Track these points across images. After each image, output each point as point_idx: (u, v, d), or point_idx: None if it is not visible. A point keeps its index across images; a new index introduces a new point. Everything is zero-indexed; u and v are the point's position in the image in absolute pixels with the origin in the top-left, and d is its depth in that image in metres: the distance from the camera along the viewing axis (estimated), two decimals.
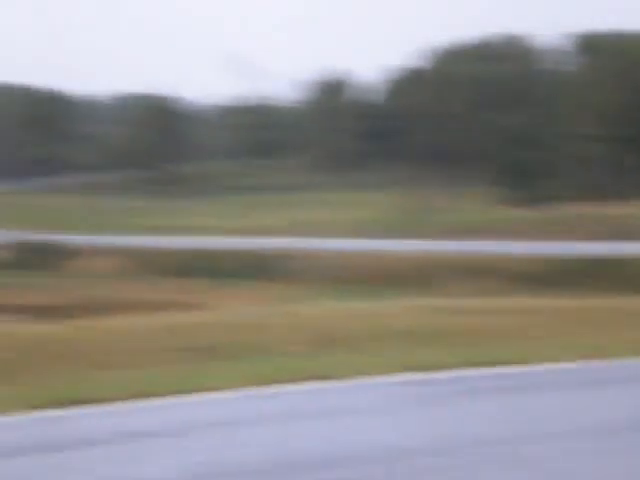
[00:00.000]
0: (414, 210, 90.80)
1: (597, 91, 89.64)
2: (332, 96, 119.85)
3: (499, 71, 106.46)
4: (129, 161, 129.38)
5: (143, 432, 11.84)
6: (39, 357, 19.61)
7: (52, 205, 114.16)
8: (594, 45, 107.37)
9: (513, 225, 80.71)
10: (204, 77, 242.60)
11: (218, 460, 10.17)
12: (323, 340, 21.69)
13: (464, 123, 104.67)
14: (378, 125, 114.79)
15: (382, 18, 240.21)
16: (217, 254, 77.60)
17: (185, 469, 9.87)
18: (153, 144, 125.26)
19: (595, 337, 21.89)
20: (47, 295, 62.25)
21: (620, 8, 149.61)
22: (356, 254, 73.50)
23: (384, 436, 11.23)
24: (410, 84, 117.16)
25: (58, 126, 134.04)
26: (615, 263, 66.02)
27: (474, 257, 70.64)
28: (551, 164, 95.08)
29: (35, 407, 13.67)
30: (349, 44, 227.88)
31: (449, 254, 72.47)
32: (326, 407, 13.61)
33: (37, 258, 79.59)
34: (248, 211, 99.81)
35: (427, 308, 28.45)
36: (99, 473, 9.98)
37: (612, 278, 64.11)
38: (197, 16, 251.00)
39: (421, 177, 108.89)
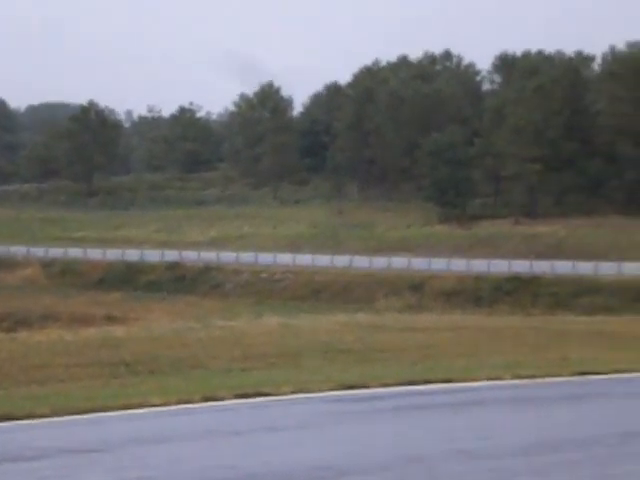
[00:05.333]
0: (340, 226, 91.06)
1: (526, 111, 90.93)
2: (260, 109, 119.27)
3: (423, 88, 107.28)
4: (53, 171, 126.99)
5: (74, 448, 11.60)
6: None
7: None
8: (512, 65, 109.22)
9: (443, 242, 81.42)
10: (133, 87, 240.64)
11: (150, 476, 10.01)
12: (256, 356, 21.58)
13: (388, 139, 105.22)
14: (308, 140, 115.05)
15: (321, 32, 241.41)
16: (140, 267, 76.92)
17: None
18: (78, 154, 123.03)
19: (520, 355, 22.17)
20: None
21: (535, 30, 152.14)
22: (286, 269, 73.43)
23: (310, 454, 11.16)
24: (332, 100, 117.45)
25: None
26: (540, 281, 66.96)
27: (402, 273, 71.04)
28: (480, 183, 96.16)
29: None
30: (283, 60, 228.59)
31: (377, 270, 72.81)
32: (259, 423, 13.49)
33: None
34: (176, 224, 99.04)
35: (359, 324, 28.52)
36: None
37: (536, 295, 65.09)
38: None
39: (348, 193, 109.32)
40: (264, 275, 72.76)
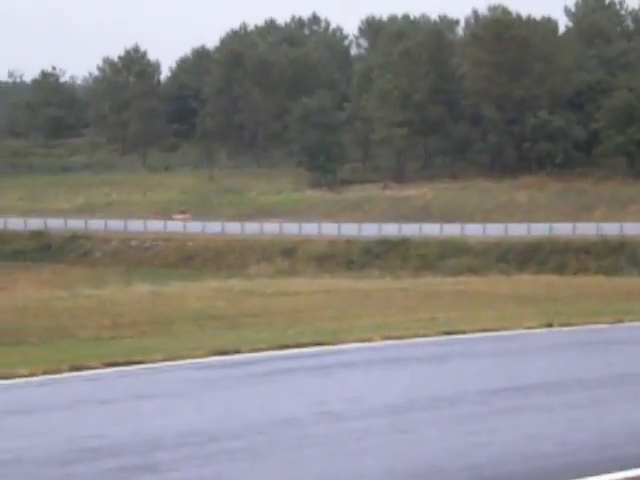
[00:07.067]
0: (211, 192, 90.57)
1: (392, 75, 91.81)
2: (125, 74, 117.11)
3: (291, 52, 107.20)
4: None
5: None
6: None
7: None
8: (378, 29, 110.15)
9: (314, 207, 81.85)
10: None
11: (17, 447, 9.82)
12: (126, 324, 21.34)
13: (257, 104, 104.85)
14: (176, 106, 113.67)
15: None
16: (4, 236, 74.99)
17: None
18: None
19: (389, 316, 22.52)
20: None
21: None
22: (156, 236, 72.64)
23: (181, 420, 11.10)
24: (199, 65, 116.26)
25: None
26: (408, 244, 68.06)
27: (274, 238, 71.18)
28: (350, 147, 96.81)
29: None
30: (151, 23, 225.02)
31: (249, 236, 72.79)
32: (129, 392, 13.37)
33: None
34: (41, 192, 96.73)
35: (233, 291, 28.47)
36: None
37: (405, 258, 66.21)
38: None
39: (218, 159, 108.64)
40: (134, 243, 71.92)
